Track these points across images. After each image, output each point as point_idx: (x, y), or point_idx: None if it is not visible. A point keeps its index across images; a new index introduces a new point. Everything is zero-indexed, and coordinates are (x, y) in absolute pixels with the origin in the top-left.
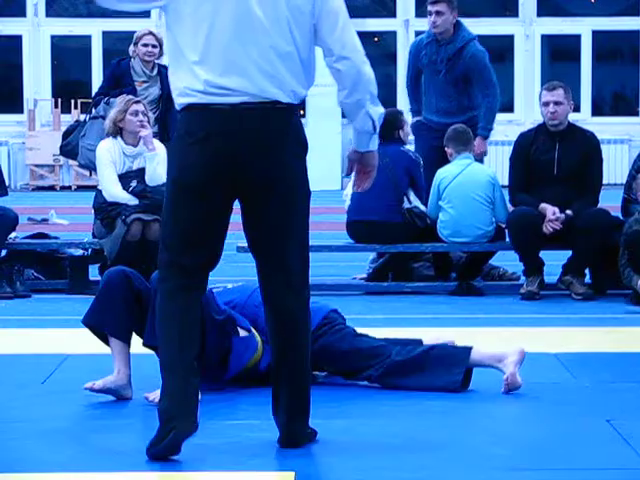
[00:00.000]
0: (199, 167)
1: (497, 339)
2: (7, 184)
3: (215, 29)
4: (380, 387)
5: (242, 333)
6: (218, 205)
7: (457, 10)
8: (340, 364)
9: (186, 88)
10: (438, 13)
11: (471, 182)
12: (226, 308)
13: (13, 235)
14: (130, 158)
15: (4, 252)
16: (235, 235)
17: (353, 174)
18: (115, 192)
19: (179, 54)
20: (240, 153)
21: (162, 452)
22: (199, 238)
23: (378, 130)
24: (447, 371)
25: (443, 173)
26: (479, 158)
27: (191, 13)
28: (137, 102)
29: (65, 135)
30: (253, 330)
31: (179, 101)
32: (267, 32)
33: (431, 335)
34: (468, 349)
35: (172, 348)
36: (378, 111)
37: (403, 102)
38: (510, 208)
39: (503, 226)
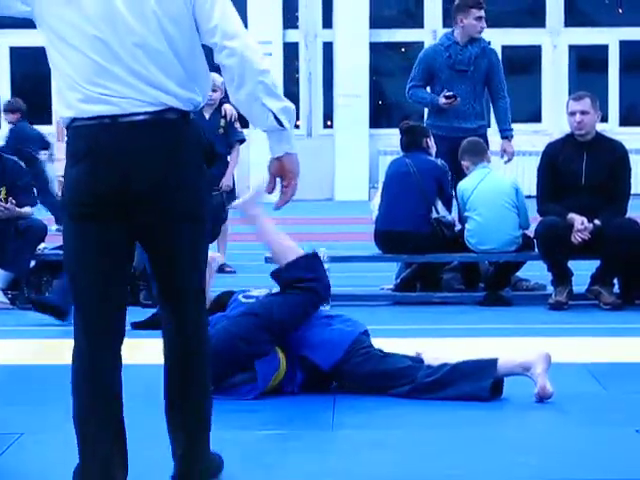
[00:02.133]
0: (88, 188)
1: (525, 349)
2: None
3: (79, 33)
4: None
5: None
6: (115, 230)
7: None
8: (367, 384)
9: (66, 101)
10: (480, 18)
11: (493, 189)
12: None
13: (42, 246)
14: None
15: (33, 263)
16: (261, 245)
17: (379, 190)
18: None
19: (53, 64)
20: (126, 169)
21: None
22: (101, 270)
23: (289, 127)
24: (475, 382)
25: (464, 185)
26: (509, 159)
27: (55, 19)
28: None
29: None
30: (276, 348)
31: (60, 115)
32: (131, 28)
33: (428, 355)
34: (494, 360)
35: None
36: (279, 104)
37: None
38: (538, 218)
39: (530, 235)
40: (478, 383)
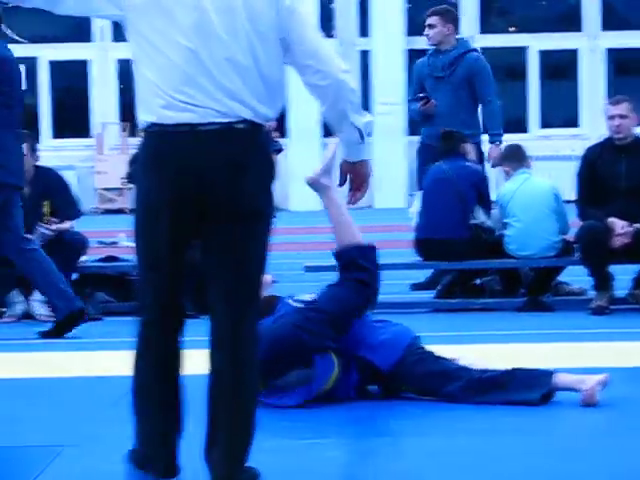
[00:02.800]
0: (162, 191)
1: (568, 354)
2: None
3: (171, 43)
4: (457, 403)
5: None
6: (185, 231)
7: (456, 23)
8: (420, 385)
9: (147, 105)
10: (430, 26)
11: (532, 194)
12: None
13: (84, 258)
14: None
15: (75, 275)
16: (300, 254)
17: (416, 197)
18: None
19: (138, 69)
20: (198, 174)
21: None
22: (171, 266)
23: (367, 139)
24: (528, 390)
25: (503, 191)
26: (493, 164)
27: (148, 27)
28: None
29: (132, 162)
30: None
31: (140, 119)
32: (225, 43)
33: (463, 362)
34: (550, 372)
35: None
36: (363, 120)
37: None
38: (578, 223)
39: (570, 240)
40: (531, 390)
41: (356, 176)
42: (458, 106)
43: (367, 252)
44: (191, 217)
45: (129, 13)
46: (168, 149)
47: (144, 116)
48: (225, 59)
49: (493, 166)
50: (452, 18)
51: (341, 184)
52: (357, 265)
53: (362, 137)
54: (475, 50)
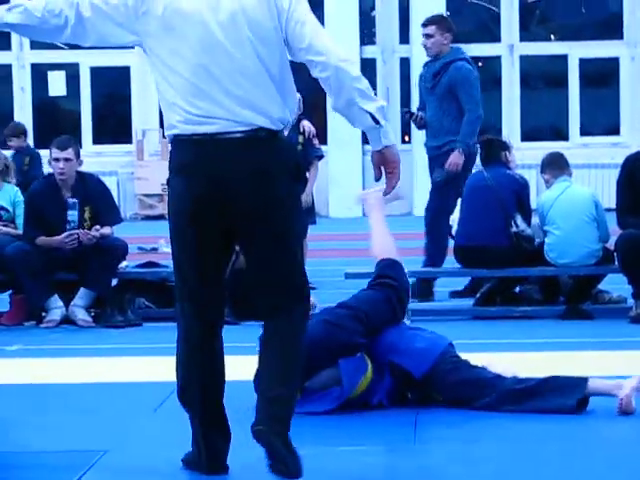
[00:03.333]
0: (188, 197)
1: (608, 363)
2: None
3: (183, 60)
4: (491, 411)
5: None
6: (212, 234)
7: (452, 32)
8: (453, 393)
9: (168, 121)
10: (427, 36)
11: (572, 202)
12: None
13: (124, 264)
14: None
15: (115, 281)
16: (340, 261)
17: (457, 207)
18: None
19: (159, 89)
20: (222, 181)
21: None
22: (201, 266)
23: (385, 123)
24: (563, 397)
25: (543, 199)
26: (454, 172)
27: (161, 48)
28: None
29: None
30: (364, 354)
31: (167, 134)
32: (230, 54)
33: (493, 369)
34: (585, 379)
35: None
36: (374, 105)
37: (508, 127)
38: (618, 231)
39: (610, 248)
40: (566, 398)
41: (386, 163)
42: (443, 115)
43: (396, 266)
44: (217, 222)
45: (145, 39)
46: (190, 158)
47: (168, 130)
48: (234, 68)
49: (448, 173)
50: (448, 27)
51: (377, 178)
52: (387, 275)
53: (376, 121)
54: (463, 59)
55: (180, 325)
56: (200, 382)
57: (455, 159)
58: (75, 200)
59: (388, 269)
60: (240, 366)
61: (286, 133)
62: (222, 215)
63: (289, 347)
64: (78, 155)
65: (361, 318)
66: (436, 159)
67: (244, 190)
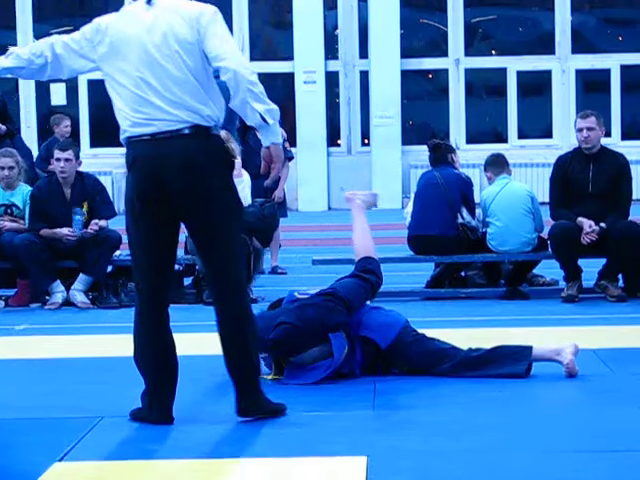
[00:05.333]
0: (136, 191)
1: (542, 337)
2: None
3: (127, 76)
4: (448, 377)
5: None
6: (158, 224)
7: None
8: (416, 362)
9: (121, 127)
10: None
11: (511, 196)
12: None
13: (118, 253)
14: None
15: (110, 268)
16: (308, 249)
17: (411, 199)
18: None
19: (114, 104)
20: (160, 175)
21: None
22: (152, 254)
23: (273, 123)
24: (513, 364)
25: (486, 193)
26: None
27: (112, 69)
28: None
29: None
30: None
31: (121, 137)
32: (163, 67)
33: None
34: (530, 347)
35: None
36: (264, 107)
37: (455, 131)
38: (551, 222)
39: (544, 237)
40: (516, 364)
41: (269, 156)
42: None
43: (374, 262)
44: (162, 213)
45: (101, 62)
46: (136, 155)
47: (122, 135)
48: (167, 77)
49: None
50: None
51: (262, 170)
52: (367, 269)
53: (265, 121)
54: None
55: (136, 302)
56: (152, 350)
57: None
58: (80, 208)
59: (371, 266)
60: (199, 342)
61: (220, 132)
62: (164, 207)
63: (233, 333)
64: (77, 156)
65: (343, 300)
66: None
67: (178, 183)
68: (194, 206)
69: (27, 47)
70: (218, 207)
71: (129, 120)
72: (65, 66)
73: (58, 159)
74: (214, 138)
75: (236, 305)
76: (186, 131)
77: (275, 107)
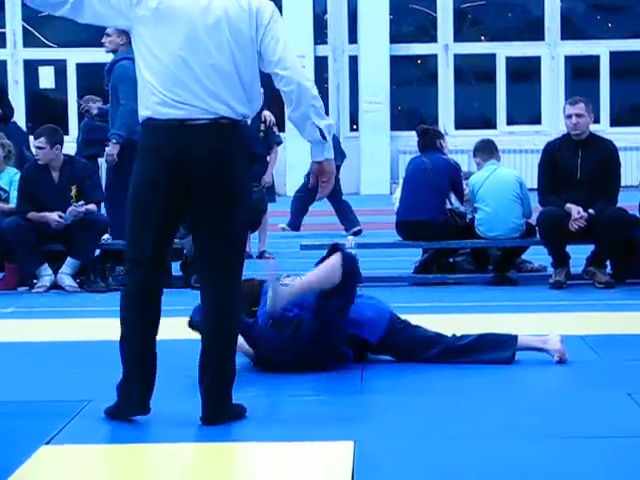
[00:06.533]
0: (156, 176)
1: (530, 323)
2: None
3: (166, 50)
4: (434, 364)
5: None
6: (172, 209)
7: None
8: (403, 351)
9: (144, 102)
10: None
11: (500, 182)
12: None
13: (105, 237)
14: None
15: (98, 252)
16: (296, 234)
17: (399, 185)
18: None
19: (139, 72)
20: (186, 162)
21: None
22: (158, 237)
23: (329, 140)
24: (498, 351)
25: (475, 179)
26: (106, 162)
27: (149, 36)
28: None
29: None
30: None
31: (140, 114)
32: (210, 54)
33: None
34: (515, 336)
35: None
36: (325, 122)
37: (444, 117)
38: (539, 208)
39: (532, 223)
40: (502, 352)
41: (322, 174)
42: (113, 110)
43: (349, 269)
44: (179, 198)
45: (136, 24)
46: (161, 142)
47: (142, 111)
48: (210, 66)
49: (107, 163)
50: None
51: (312, 185)
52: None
53: (324, 136)
54: (122, 59)
55: (127, 281)
56: (140, 332)
57: (112, 150)
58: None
59: (349, 281)
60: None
61: (249, 122)
62: (184, 192)
63: (218, 319)
64: (54, 144)
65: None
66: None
67: (206, 169)
68: (214, 192)
69: None
70: (237, 195)
71: (157, 97)
72: (90, 10)
73: (35, 146)
74: (241, 129)
75: (228, 290)
76: (218, 121)
77: (333, 122)
